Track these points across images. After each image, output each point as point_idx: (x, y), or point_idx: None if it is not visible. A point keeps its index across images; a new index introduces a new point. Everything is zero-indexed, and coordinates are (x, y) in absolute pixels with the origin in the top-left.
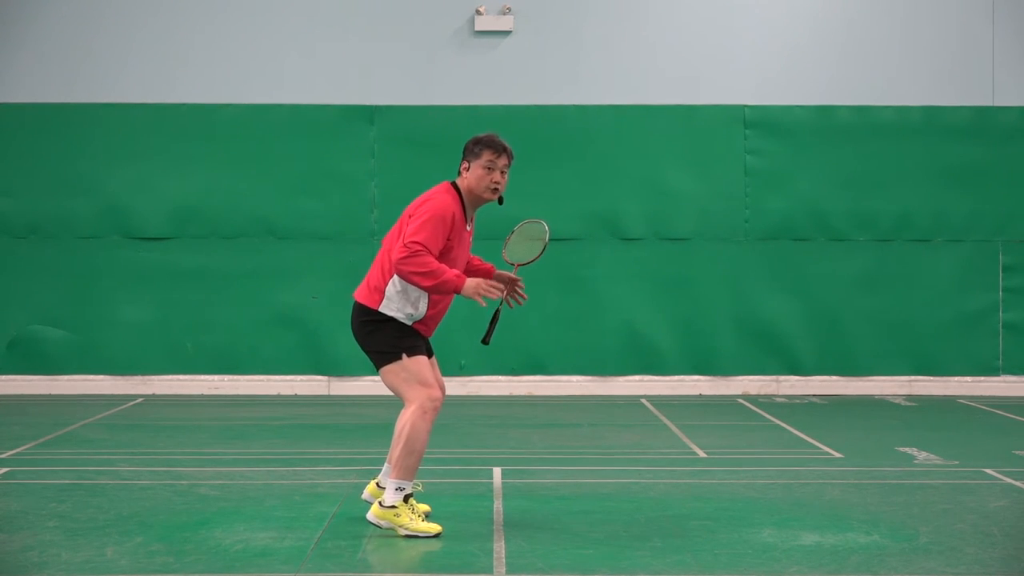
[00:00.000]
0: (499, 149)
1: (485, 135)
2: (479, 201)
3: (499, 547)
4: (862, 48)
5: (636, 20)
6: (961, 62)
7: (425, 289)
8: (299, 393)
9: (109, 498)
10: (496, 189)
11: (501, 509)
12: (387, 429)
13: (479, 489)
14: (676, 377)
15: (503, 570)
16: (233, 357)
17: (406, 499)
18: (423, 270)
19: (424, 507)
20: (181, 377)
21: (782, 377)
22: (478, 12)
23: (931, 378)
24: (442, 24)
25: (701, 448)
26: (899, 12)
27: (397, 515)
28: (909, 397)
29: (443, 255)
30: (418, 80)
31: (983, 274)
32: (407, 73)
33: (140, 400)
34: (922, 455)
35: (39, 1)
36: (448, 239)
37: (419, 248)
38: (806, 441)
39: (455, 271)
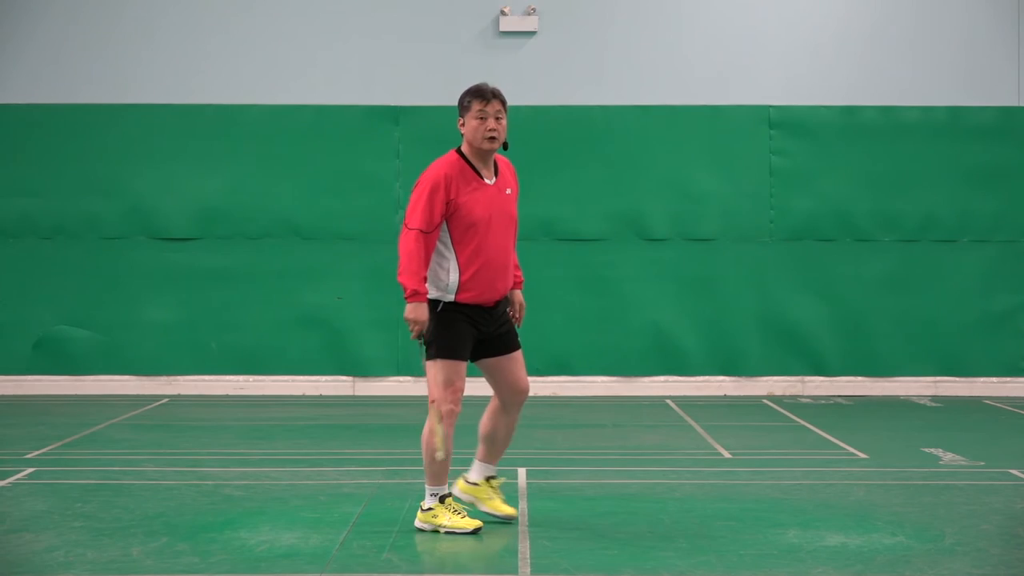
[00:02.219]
0: (487, 95)
1: (472, 86)
2: (483, 154)
3: (524, 547)
4: (887, 48)
5: (661, 21)
6: (986, 62)
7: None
8: (324, 393)
9: (134, 498)
10: (493, 137)
11: (526, 509)
12: (411, 430)
13: (504, 489)
14: (701, 378)
15: (528, 570)
16: (258, 357)
17: (442, 500)
18: (403, 260)
19: (509, 509)
20: (206, 377)
21: (807, 378)
22: (503, 12)
23: (957, 379)
24: (467, 25)
25: (726, 449)
26: (924, 12)
27: (435, 516)
28: (934, 398)
29: (465, 221)
30: (443, 81)
31: (1009, 275)
32: (432, 74)
33: (165, 400)
34: (947, 456)
35: (63, 3)
36: (450, 200)
37: (414, 232)
38: (831, 442)
39: (417, 281)
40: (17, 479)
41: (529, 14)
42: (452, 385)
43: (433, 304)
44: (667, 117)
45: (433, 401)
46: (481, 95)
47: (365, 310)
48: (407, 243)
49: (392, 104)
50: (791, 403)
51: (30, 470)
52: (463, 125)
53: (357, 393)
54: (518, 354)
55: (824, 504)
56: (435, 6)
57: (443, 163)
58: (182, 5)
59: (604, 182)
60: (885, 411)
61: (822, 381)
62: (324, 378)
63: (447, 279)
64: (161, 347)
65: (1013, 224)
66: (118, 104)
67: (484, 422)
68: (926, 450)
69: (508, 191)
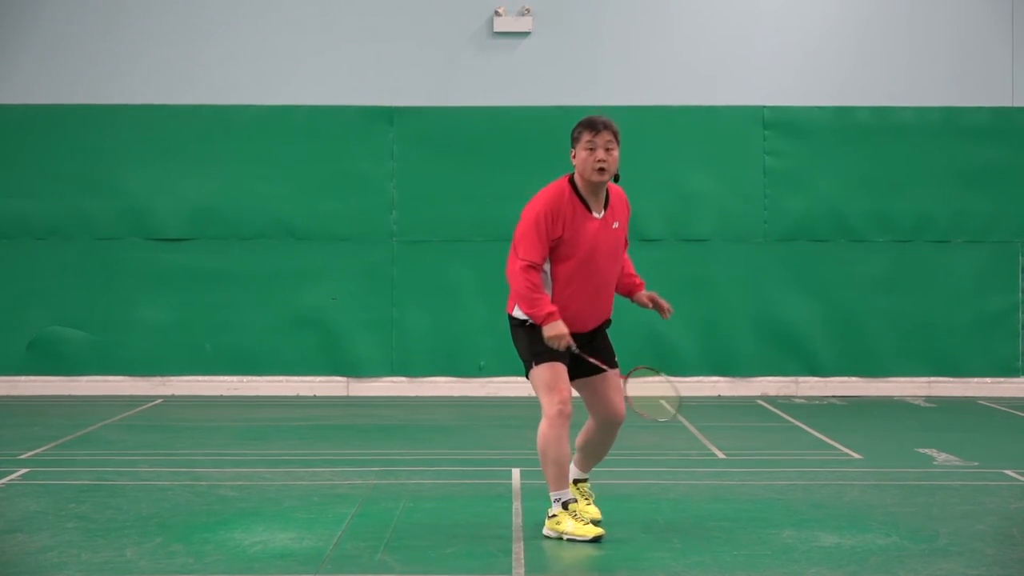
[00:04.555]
0: (596, 127)
1: (584, 118)
2: (593, 186)
3: (518, 548)
4: (881, 49)
5: (655, 21)
6: (980, 63)
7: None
8: (318, 394)
9: (128, 499)
10: (602, 169)
11: (520, 510)
12: (405, 430)
13: (498, 490)
14: (695, 378)
15: (522, 571)
16: (252, 358)
17: (565, 506)
18: (523, 292)
19: (594, 512)
20: (200, 378)
21: (801, 378)
22: (497, 13)
23: (951, 379)
24: (461, 25)
25: (720, 449)
26: (918, 12)
27: (558, 523)
28: (929, 398)
29: (565, 252)
30: (437, 81)
31: (1003, 275)
32: (426, 74)
33: (159, 401)
34: (942, 456)
35: (58, 3)
36: (558, 232)
37: (525, 264)
38: (825, 442)
39: (543, 305)
40: (11, 480)
41: (523, 15)
42: (556, 387)
43: (523, 321)
44: (661, 117)
45: (543, 409)
46: (592, 126)
47: (359, 311)
48: (522, 277)
49: (386, 105)
50: (785, 403)
51: (24, 471)
52: (574, 156)
53: (351, 394)
54: (613, 374)
55: (818, 504)
56: (429, 7)
57: (551, 193)
58: (177, 6)
59: None
60: (879, 411)
61: (816, 381)
62: (318, 379)
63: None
64: (155, 348)
65: (1007, 225)
66: (112, 105)
67: (580, 435)
68: (920, 450)
69: (615, 225)
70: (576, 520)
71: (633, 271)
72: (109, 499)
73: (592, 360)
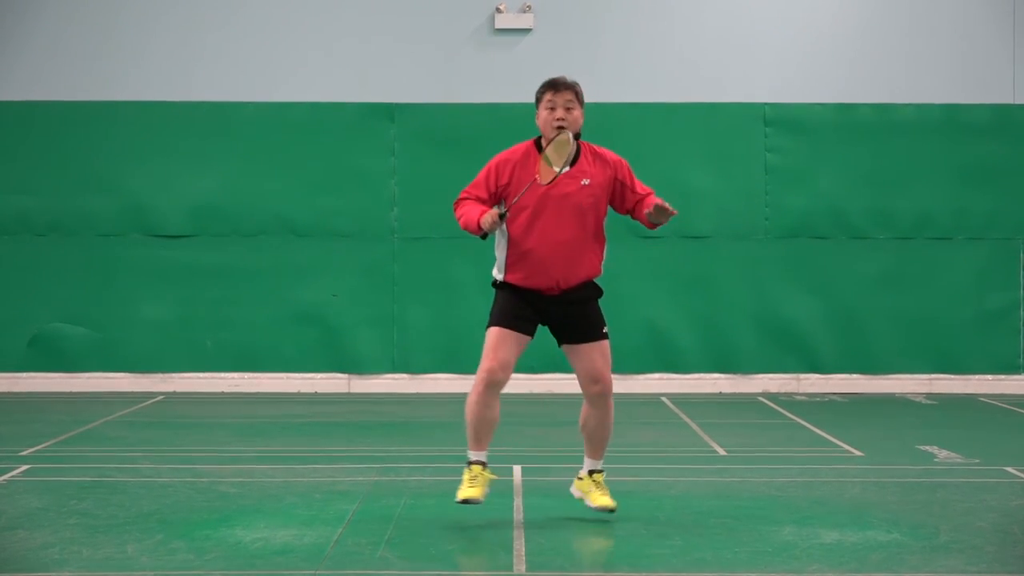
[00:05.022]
0: (558, 86)
1: (547, 79)
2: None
3: (519, 544)
4: (882, 46)
5: (656, 18)
6: (981, 60)
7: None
8: (319, 391)
9: (129, 495)
10: (561, 127)
11: (521, 507)
12: (406, 427)
13: (499, 487)
14: (696, 375)
15: (523, 567)
16: (253, 355)
17: (469, 464)
18: (457, 216)
19: (606, 501)
20: (201, 375)
21: (802, 375)
22: (498, 10)
23: (952, 376)
24: (462, 22)
25: (721, 446)
26: (919, 9)
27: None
28: (929, 395)
29: (516, 205)
30: (438, 78)
31: (1004, 272)
32: (427, 71)
33: (160, 398)
34: (943, 453)
35: (59, 0)
36: (504, 181)
37: (459, 197)
38: (826, 439)
39: (477, 210)
40: (12, 476)
41: (524, 11)
42: (491, 352)
43: (495, 282)
44: (662, 114)
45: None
46: (553, 86)
47: (360, 307)
48: (456, 207)
49: (387, 101)
50: (786, 400)
51: (25, 467)
52: (538, 117)
53: (352, 390)
54: (595, 344)
55: (819, 501)
56: (431, 3)
57: (512, 148)
58: (178, 4)
59: None
60: (880, 408)
61: (817, 378)
62: (319, 375)
63: (499, 257)
64: (156, 344)
65: (1008, 222)
66: (112, 101)
67: (580, 417)
68: (921, 447)
69: (585, 181)
70: (465, 481)
71: (648, 194)
72: (110, 496)
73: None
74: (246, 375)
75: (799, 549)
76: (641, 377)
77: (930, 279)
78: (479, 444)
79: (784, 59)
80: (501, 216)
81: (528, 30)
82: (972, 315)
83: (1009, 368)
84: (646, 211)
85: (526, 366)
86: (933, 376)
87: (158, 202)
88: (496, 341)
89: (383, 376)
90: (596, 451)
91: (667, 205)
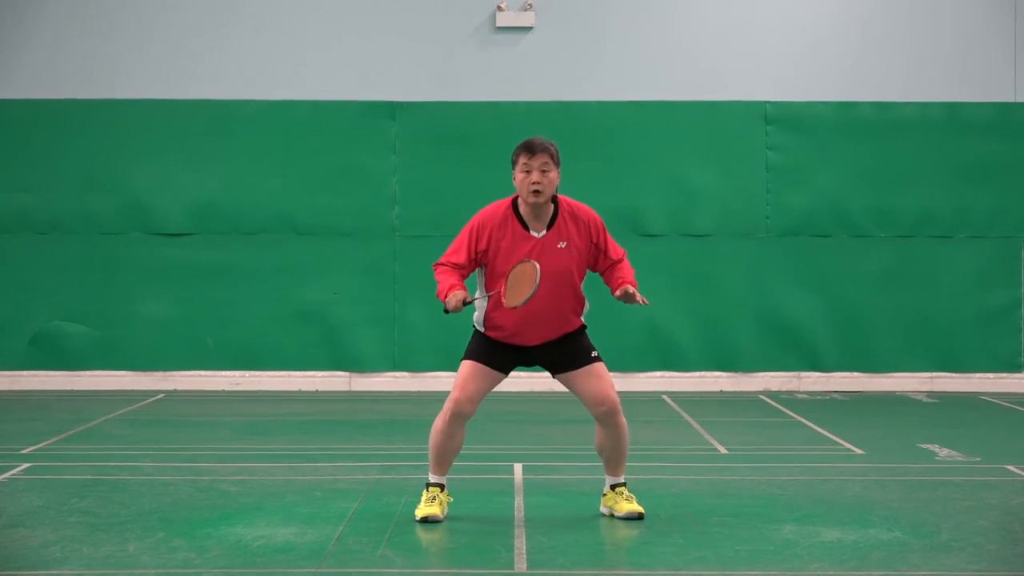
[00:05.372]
0: (533, 149)
1: (523, 141)
2: (532, 207)
3: (520, 543)
4: (883, 44)
5: (657, 16)
6: (982, 58)
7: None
8: (320, 389)
9: (130, 494)
10: (537, 191)
11: (522, 505)
12: (407, 425)
13: (500, 485)
14: (697, 373)
15: (524, 565)
16: (254, 353)
17: (427, 486)
18: (435, 279)
19: (631, 507)
20: (202, 373)
21: (803, 373)
22: (499, 8)
23: (953, 374)
24: (463, 20)
25: (722, 444)
26: (920, 8)
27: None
28: (930, 393)
29: (496, 270)
30: (439, 76)
31: (1005, 270)
32: (428, 69)
33: (161, 396)
34: (944, 452)
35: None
36: (483, 246)
37: (439, 261)
38: (827, 438)
39: (449, 283)
40: (13, 475)
41: (525, 10)
42: (461, 384)
43: (474, 327)
44: (663, 113)
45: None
46: (528, 149)
47: (361, 306)
48: (435, 271)
49: (389, 100)
50: (787, 399)
51: (26, 465)
52: (514, 178)
53: (353, 389)
54: (590, 368)
55: (820, 500)
56: (432, 2)
57: (488, 209)
58: (179, 1)
59: (600, 178)
60: (881, 407)
61: (818, 377)
62: (320, 374)
63: (479, 313)
64: (157, 343)
65: (1009, 220)
66: (113, 99)
67: (595, 442)
68: (922, 446)
69: (562, 244)
70: (423, 501)
71: (626, 276)
72: (111, 494)
73: (481, 295)
74: (247, 373)
75: (800, 547)
76: (642, 375)
77: (931, 277)
78: (439, 469)
79: (785, 57)
80: (465, 303)
81: (529, 28)
82: (973, 313)
83: (1010, 366)
84: (616, 294)
85: None
86: (934, 374)
87: (159, 200)
88: (468, 374)
89: (384, 374)
90: (616, 469)
91: (637, 295)
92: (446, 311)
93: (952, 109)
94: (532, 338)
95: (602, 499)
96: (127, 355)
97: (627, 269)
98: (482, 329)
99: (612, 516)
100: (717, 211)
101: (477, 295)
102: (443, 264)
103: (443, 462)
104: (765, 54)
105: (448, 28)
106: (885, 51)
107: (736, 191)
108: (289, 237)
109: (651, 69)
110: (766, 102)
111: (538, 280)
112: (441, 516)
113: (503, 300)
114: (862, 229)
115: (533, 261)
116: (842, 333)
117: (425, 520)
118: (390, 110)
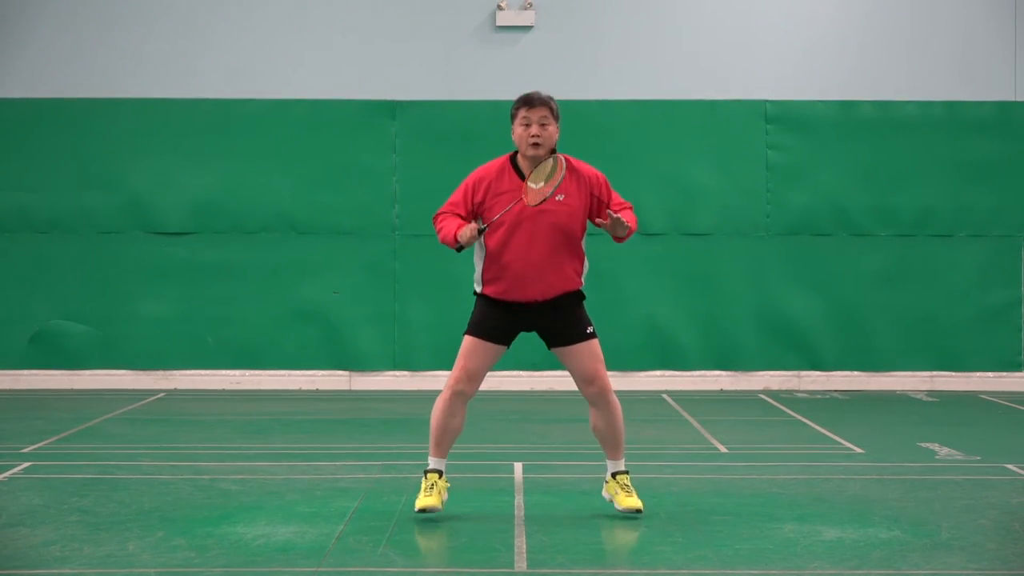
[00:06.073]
0: (532, 102)
1: (522, 95)
2: (531, 161)
3: (520, 542)
4: (883, 43)
5: (657, 15)
6: (983, 57)
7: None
8: (320, 388)
9: (131, 493)
10: (536, 144)
11: (522, 504)
12: (407, 424)
13: (500, 484)
14: (697, 372)
15: (524, 564)
16: (254, 352)
17: (425, 473)
18: (436, 227)
19: (632, 503)
20: (202, 372)
21: (803, 372)
22: (499, 7)
23: (953, 373)
24: (463, 19)
25: (722, 443)
26: (921, 6)
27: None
28: (931, 392)
29: (494, 223)
30: (439, 75)
31: (1005, 269)
32: (428, 68)
33: (161, 395)
34: (944, 451)
35: None
36: (479, 198)
37: (439, 212)
38: (827, 436)
39: (455, 224)
40: (13, 474)
41: (526, 8)
42: (462, 361)
43: (475, 292)
44: (664, 112)
45: None
46: (528, 102)
47: (362, 305)
48: (435, 221)
49: (389, 99)
50: (787, 398)
51: (26, 464)
52: (513, 132)
53: (354, 388)
54: (582, 345)
55: (820, 499)
56: (432, 1)
57: (488, 165)
58: (179, 1)
59: None
60: (881, 406)
61: (818, 376)
62: (321, 372)
63: (477, 269)
64: (157, 341)
65: (1009, 219)
66: (113, 98)
67: (590, 423)
68: (922, 445)
69: (560, 197)
70: (422, 489)
71: (624, 214)
72: (111, 493)
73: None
74: (247, 372)
75: (800, 546)
76: (642, 374)
77: (931, 276)
78: (439, 451)
79: (785, 56)
80: (480, 231)
81: (529, 27)
82: (973, 312)
83: (1010, 365)
84: (598, 220)
85: (528, 363)
86: (934, 373)
87: (159, 199)
88: (468, 350)
89: (384, 373)
90: (614, 452)
91: (621, 218)
92: (459, 248)
93: (952, 108)
94: (532, 290)
95: (604, 485)
96: (127, 354)
97: (630, 214)
98: (480, 288)
99: (612, 503)
100: (717, 210)
101: (486, 223)
102: (444, 213)
103: (443, 443)
104: (765, 53)
105: (448, 27)
106: (885, 50)
107: (736, 190)
108: (289, 236)
109: (651, 68)
110: (766, 101)
111: (558, 169)
112: (440, 506)
113: (525, 199)
114: (862, 228)
115: (558, 155)
116: (842, 332)
117: (423, 511)
118: (390, 109)
